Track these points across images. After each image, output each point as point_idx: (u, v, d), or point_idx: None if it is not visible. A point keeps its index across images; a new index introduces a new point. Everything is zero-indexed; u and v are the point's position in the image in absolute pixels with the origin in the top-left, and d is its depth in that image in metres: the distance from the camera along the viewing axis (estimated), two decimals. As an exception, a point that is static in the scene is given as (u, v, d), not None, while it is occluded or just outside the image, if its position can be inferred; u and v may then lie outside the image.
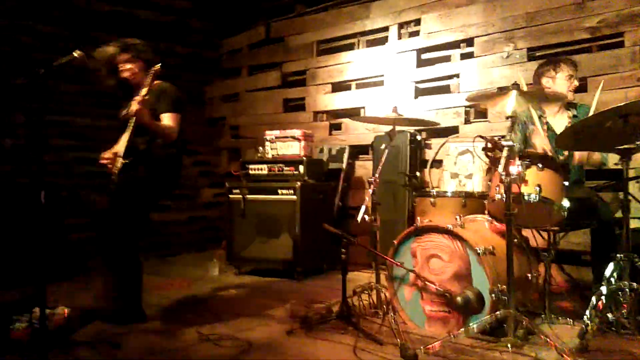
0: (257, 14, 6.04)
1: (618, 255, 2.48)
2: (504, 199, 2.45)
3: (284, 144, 4.61)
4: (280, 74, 5.78)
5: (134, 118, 2.80)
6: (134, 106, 2.77)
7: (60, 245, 4.44)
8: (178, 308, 3.38)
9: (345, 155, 5.00)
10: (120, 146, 2.90)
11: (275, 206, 4.36)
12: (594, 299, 2.49)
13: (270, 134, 4.69)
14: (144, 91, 2.79)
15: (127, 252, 2.93)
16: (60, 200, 4.90)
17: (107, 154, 2.95)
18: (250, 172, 4.63)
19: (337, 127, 5.38)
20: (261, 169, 4.59)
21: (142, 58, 3.02)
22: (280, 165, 4.51)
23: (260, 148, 4.74)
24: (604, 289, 2.47)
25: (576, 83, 3.24)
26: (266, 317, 3.13)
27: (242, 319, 3.09)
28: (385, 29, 5.03)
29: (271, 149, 4.65)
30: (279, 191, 4.36)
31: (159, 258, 5.21)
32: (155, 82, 2.93)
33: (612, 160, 3.19)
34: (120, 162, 2.85)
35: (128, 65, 3.02)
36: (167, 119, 2.95)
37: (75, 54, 2.42)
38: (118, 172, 2.84)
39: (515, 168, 2.43)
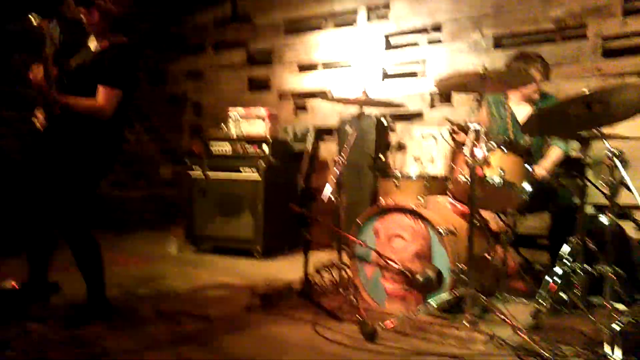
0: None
1: (573, 238, 2.56)
2: (468, 181, 2.48)
3: (249, 122, 4.53)
4: (246, 52, 5.68)
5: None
6: (33, 72, 2.39)
7: (9, 220, 4.26)
8: (135, 285, 3.30)
9: (311, 137, 4.96)
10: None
11: (237, 185, 4.29)
12: (547, 278, 2.56)
13: (234, 112, 4.60)
14: (48, 49, 2.32)
15: (74, 233, 2.55)
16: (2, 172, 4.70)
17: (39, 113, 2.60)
18: (213, 149, 4.54)
19: (303, 107, 5.34)
20: (224, 147, 4.51)
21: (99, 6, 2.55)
22: (244, 143, 4.45)
23: (224, 126, 4.65)
24: (558, 270, 2.54)
25: (542, 87, 3.30)
26: (226, 295, 3.09)
27: (201, 297, 3.05)
28: (354, 11, 5.00)
29: (235, 127, 4.57)
30: (242, 170, 4.29)
31: (116, 235, 5.07)
32: (113, 38, 2.60)
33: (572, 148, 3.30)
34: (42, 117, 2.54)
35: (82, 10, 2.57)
36: (100, 95, 2.50)
37: (32, 19, 2.26)
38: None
39: (480, 151, 2.46)
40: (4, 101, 4.73)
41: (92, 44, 2.67)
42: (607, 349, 2.00)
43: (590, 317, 2.39)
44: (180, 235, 4.57)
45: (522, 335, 2.19)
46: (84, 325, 2.45)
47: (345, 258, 3.07)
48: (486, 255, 2.88)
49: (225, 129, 4.61)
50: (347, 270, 2.98)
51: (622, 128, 2.64)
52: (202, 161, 4.49)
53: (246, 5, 5.73)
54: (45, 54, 2.33)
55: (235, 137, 4.52)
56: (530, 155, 2.84)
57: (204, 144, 4.59)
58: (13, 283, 2.79)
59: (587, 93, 2.20)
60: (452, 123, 2.72)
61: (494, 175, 2.60)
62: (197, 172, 4.45)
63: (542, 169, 3.08)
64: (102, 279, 2.62)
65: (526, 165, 2.72)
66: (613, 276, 2.25)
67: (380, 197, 3.15)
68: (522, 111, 3.36)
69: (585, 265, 2.49)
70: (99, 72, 2.53)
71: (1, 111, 4.71)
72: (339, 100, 3.90)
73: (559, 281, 2.52)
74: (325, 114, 5.08)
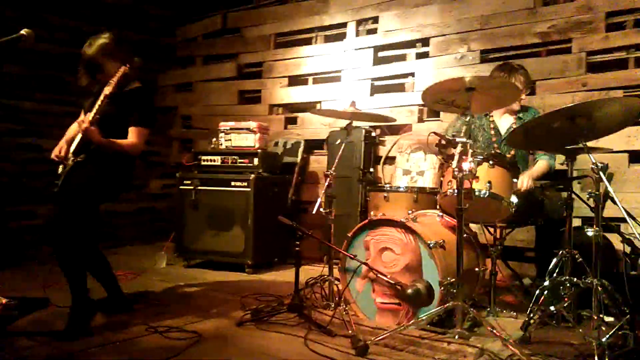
0: (215, 3, 5.93)
1: (561, 251, 2.59)
2: (456, 194, 2.50)
3: (239, 135, 4.54)
4: (236, 65, 5.70)
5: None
6: (85, 124, 2.62)
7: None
8: (124, 299, 3.27)
9: (300, 150, 4.99)
10: (74, 144, 2.76)
11: (227, 198, 4.29)
12: (537, 292, 2.59)
13: (224, 125, 4.61)
14: (96, 107, 2.65)
15: (73, 251, 2.70)
16: (1, 187, 4.67)
17: (57, 151, 2.82)
18: (203, 163, 4.54)
19: (293, 121, 5.36)
20: (214, 160, 4.51)
21: (119, 58, 2.87)
22: (235, 157, 4.45)
23: (214, 139, 4.65)
24: (546, 283, 2.57)
25: (523, 96, 3.35)
26: (216, 310, 3.07)
27: (191, 311, 3.03)
28: (344, 25, 5.05)
29: (225, 140, 4.58)
30: (232, 183, 4.29)
31: (104, 249, 5.01)
32: (132, 83, 2.90)
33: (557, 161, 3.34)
34: (71, 160, 2.74)
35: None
36: (134, 135, 2.81)
37: (23, 32, 2.28)
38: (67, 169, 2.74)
39: (467, 164, 2.49)
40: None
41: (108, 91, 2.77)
42: (595, 361, 2.02)
43: (579, 329, 2.42)
44: (170, 249, 4.55)
45: (512, 348, 2.20)
46: (73, 340, 2.44)
47: (335, 272, 3.08)
48: (475, 268, 2.90)
49: (216, 142, 4.62)
50: (338, 284, 2.98)
51: (606, 141, 2.70)
52: (192, 174, 4.49)
53: (236, 18, 5.77)
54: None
55: (225, 150, 4.53)
56: (516, 168, 2.88)
57: (194, 156, 4.59)
58: (3, 300, 2.77)
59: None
60: (439, 136, 2.74)
61: (481, 188, 2.64)
62: (187, 186, 4.45)
63: (526, 178, 3.10)
64: (84, 291, 2.68)
65: (513, 179, 2.76)
66: (600, 288, 2.28)
67: (370, 211, 3.16)
68: (505, 123, 3.42)
69: (573, 278, 2.51)
70: (126, 112, 2.82)
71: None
72: (329, 114, 3.93)
73: (548, 294, 2.55)
74: (315, 127, 5.10)
